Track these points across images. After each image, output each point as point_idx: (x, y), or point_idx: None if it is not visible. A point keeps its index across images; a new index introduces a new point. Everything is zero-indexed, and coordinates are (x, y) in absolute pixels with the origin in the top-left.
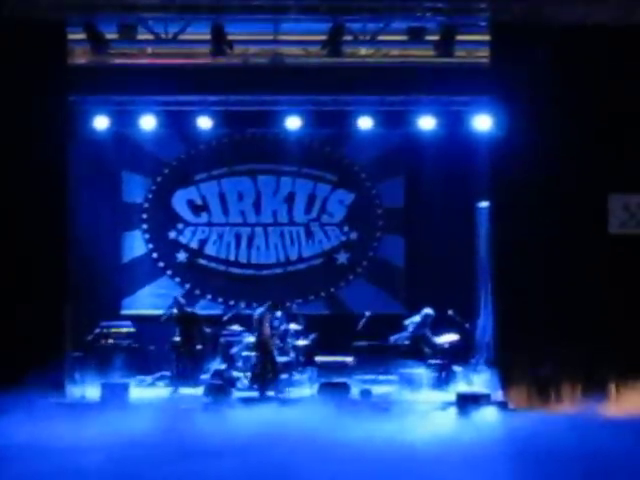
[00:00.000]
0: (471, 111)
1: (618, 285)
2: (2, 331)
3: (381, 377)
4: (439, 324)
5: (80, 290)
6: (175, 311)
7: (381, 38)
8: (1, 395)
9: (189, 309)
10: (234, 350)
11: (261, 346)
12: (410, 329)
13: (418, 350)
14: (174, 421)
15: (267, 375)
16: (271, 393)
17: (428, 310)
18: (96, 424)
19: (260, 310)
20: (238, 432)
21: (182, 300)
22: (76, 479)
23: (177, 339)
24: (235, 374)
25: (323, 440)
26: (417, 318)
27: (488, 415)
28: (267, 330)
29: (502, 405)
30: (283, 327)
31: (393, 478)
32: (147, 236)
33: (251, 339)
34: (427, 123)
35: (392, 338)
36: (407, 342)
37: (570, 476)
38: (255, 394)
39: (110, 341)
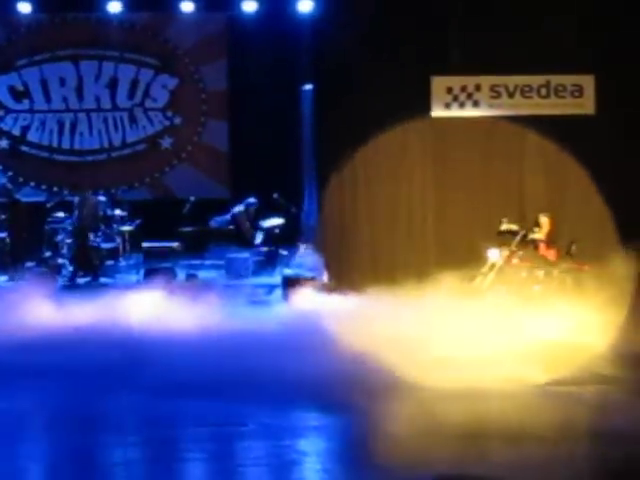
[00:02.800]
0: None
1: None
2: None
3: (207, 262)
4: (265, 208)
5: None
6: (3, 199)
7: None
8: None
9: (18, 196)
10: (59, 237)
11: (78, 232)
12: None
13: (242, 235)
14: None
15: (89, 261)
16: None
17: (251, 199)
18: None
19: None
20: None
21: (9, 186)
22: None
23: (5, 227)
24: (60, 261)
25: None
26: (241, 207)
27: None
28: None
29: (326, 287)
30: (108, 213)
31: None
32: None
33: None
34: (250, 6)
35: (212, 221)
36: (231, 227)
37: None
38: (81, 281)
39: None
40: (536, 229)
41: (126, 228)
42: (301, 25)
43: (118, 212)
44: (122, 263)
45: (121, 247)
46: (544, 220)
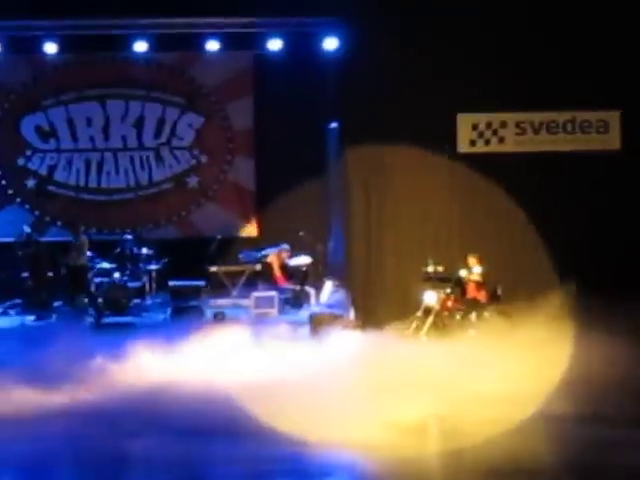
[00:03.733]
0: (319, 32)
1: (460, 200)
2: None
3: (234, 300)
4: (291, 246)
5: None
6: (24, 239)
7: None
8: None
9: (38, 237)
10: (89, 276)
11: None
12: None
13: (270, 274)
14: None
15: (117, 300)
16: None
17: (285, 245)
18: None
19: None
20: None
21: (28, 229)
22: None
23: (28, 267)
24: (87, 300)
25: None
26: (274, 250)
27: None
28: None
29: (352, 325)
30: (135, 252)
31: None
32: None
33: (105, 265)
34: (275, 44)
35: (242, 255)
36: (259, 267)
37: None
38: (109, 320)
39: None
40: (465, 270)
41: (153, 267)
42: (326, 63)
43: (145, 251)
44: (149, 302)
45: (148, 286)
46: (473, 260)
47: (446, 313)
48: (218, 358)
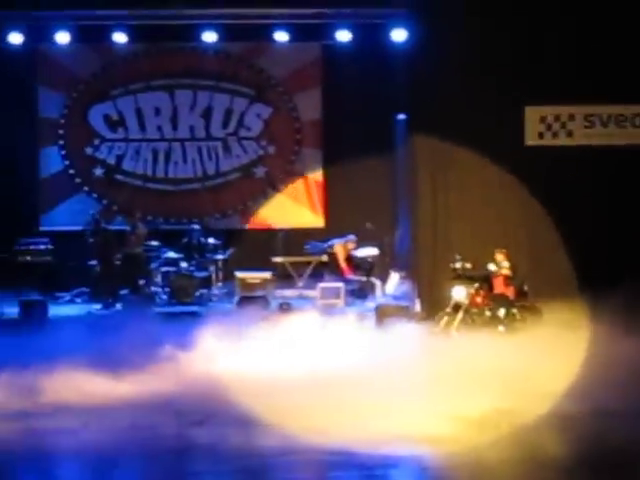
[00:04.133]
0: (388, 24)
1: (536, 195)
2: None
3: (300, 291)
4: (358, 238)
5: None
6: (93, 228)
7: None
8: None
9: (106, 225)
10: (153, 266)
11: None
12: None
13: (336, 265)
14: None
15: (183, 289)
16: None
17: (351, 236)
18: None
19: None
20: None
21: (98, 216)
22: None
23: (95, 255)
24: (154, 289)
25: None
26: (340, 241)
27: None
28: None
29: (418, 316)
30: (202, 241)
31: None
32: (64, 152)
33: (172, 254)
34: (344, 36)
35: (308, 246)
36: (325, 257)
37: None
38: (174, 309)
39: (28, 258)
40: (492, 265)
41: (219, 257)
42: (395, 54)
43: (211, 241)
44: (215, 292)
45: (214, 276)
46: (500, 257)
47: (475, 309)
48: (283, 348)
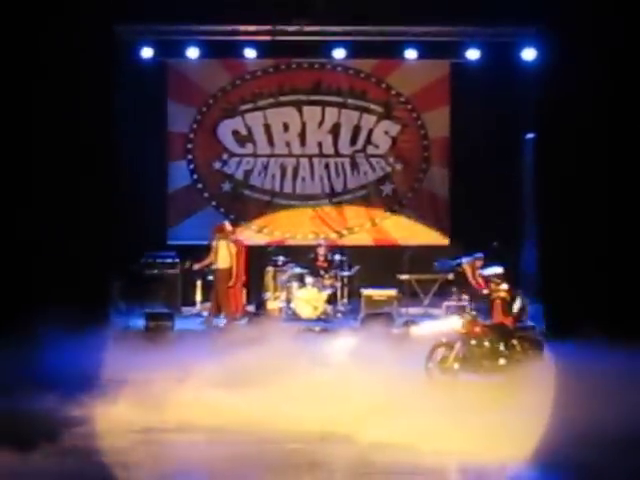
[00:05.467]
0: (517, 42)
1: None
2: (49, 263)
3: (425, 309)
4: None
5: (126, 221)
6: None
7: None
8: (48, 327)
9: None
10: (280, 280)
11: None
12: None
13: (463, 283)
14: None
15: None
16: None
17: (479, 254)
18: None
19: None
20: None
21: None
22: None
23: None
24: (280, 304)
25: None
26: (469, 259)
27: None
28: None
29: (544, 336)
30: (328, 257)
31: None
32: (192, 166)
33: (297, 270)
34: (473, 54)
35: (437, 263)
36: (451, 276)
37: None
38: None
39: (155, 271)
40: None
41: (345, 273)
42: (524, 73)
43: (338, 257)
44: (340, 308)
45: (339, 292)
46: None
47: (473, 341)
48: (407, 366)
